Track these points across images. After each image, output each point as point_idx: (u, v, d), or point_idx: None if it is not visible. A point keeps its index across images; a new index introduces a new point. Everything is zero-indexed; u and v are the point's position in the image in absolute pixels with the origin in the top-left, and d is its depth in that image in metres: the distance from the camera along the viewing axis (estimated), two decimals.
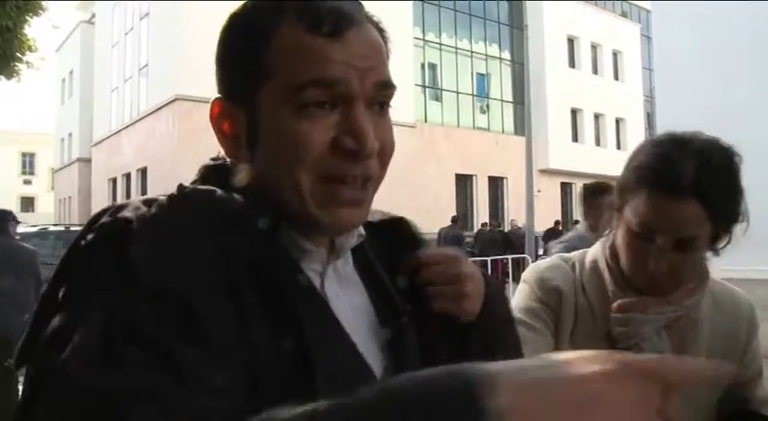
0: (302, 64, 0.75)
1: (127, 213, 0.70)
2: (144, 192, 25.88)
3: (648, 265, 1.26)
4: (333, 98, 0.75)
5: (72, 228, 15.13)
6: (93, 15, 34.59)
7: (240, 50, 0.79)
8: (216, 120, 0.82)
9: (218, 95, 0.83)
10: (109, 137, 30.13)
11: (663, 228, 1.23)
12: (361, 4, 0.81)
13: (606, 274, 1.39)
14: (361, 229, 0.87)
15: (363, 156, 0.75)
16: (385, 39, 0.83)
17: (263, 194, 0.78)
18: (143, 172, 26.16)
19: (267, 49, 0.76)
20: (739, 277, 8.26)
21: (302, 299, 0.75)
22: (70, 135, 36.54)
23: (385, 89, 0.80)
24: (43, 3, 12.41)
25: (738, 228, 1.28)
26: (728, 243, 1.30)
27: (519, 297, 1.46)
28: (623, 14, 37.46)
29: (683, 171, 1.20)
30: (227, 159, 0.86)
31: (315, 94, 0.74)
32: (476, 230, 21.69)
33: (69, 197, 35.79)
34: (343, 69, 0.75)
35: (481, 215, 28.61)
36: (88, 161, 33.32)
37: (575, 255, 1.51)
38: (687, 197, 1.19)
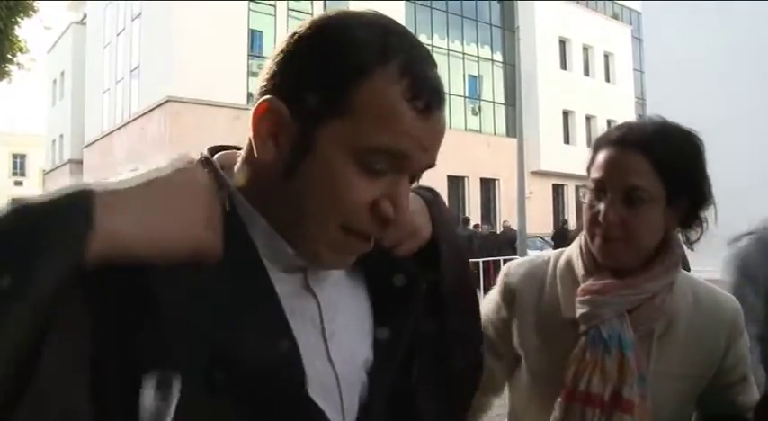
0: (386, 127, 0.73)
1: None
2: None
3: (600, 218, 1.29)
4: (394, 167, 0.76)
5: None
6: (85, 16, 34.46)
7: (326, 71, 0.74)
8: (259, 117, 0.77)
9: (271, 96, 0.77)
10: (100, 138, 30.02)
11: (612, 180, 1.29)
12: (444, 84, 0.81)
13: (578, 262, 1.41)
14: None
15: (392, 223, 0.78)
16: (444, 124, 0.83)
17: (273, 204, 0.79)
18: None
19: (356, 89, 0.73)
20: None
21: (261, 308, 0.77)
22: (61, 136, 36.40)
23: (428, 168, 0.82)
24: (34, 3, 12.38)
25: (709, 216, 1.33)
26: (701, 233, 1.35)
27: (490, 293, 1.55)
28: (614, 16, 37.59)
29: (634, 130, 1.31)
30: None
31: (383, 160, 0.75)
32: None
33: None
34: (417, 147, 0.76)
35: (473, 216, 28.67)
36: (80, 163, 33.18)
37: (554, 251, 1.54)
38: (633, 149, 1.27)
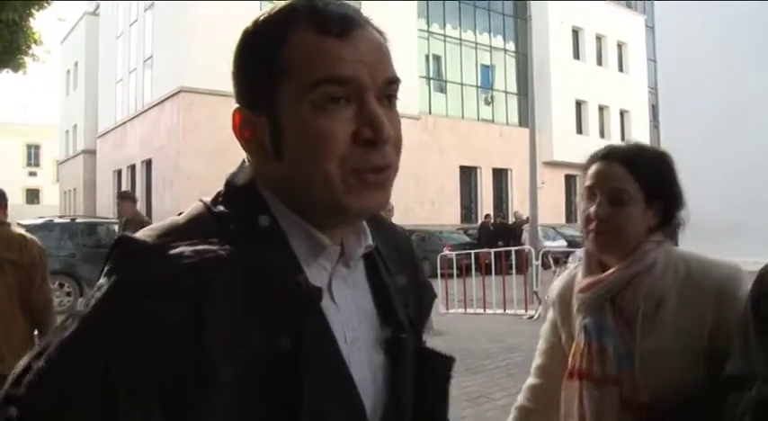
0: (316, 63, 0.80)
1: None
2: (149, 183, 25.93)
3: (591, 215, 1.57)
4: (347, 94, 0.81)
5: (78, 220, 15.18)
6: (98, 7, 34.57)
7: (257, 58, 0.84)
8: (238, 129, 0.87)
9: (237, 106, 0.87)
10: (114, 128, 30.19)
11: (599, 185, 1.58)
12: (359, 9, 0.88)
13: (583, 264, 1.69)
14: (370, 240, 0.92)
15: (381, 142, 0.82)
16: (385, 39, 0.89)
17: (289, 190, 0.85)
18: (148, 163, 26.22)
19: (282, 53, 0.82)
20: None
21: (299, 305, 0.81)
22: (75, 127, 36.61)
23: (392, 83, 0.86)
24: None
25: (683, 215, 1.61)
26: (676, 227, 1.62)
27: None
28: (628, 5, 37.31)
29: (617, 148, 1.65)
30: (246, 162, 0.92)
31: (330, 91, 0.80)
32: (479, 222, 21.70)
33: (74, 189, 35.89)
34: (354, 66, 0.81)
35: (485, 207, 28.63)
36: (93, 153, 33.39)
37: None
38: (616, 161, 1.59)
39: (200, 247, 0.76)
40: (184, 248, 0.76)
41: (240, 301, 0.76)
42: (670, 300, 1.51)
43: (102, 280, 0.76)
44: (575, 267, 1.77)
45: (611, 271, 1.57)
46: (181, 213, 0.88)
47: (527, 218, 16.98)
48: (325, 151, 0.80)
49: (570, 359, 1.60)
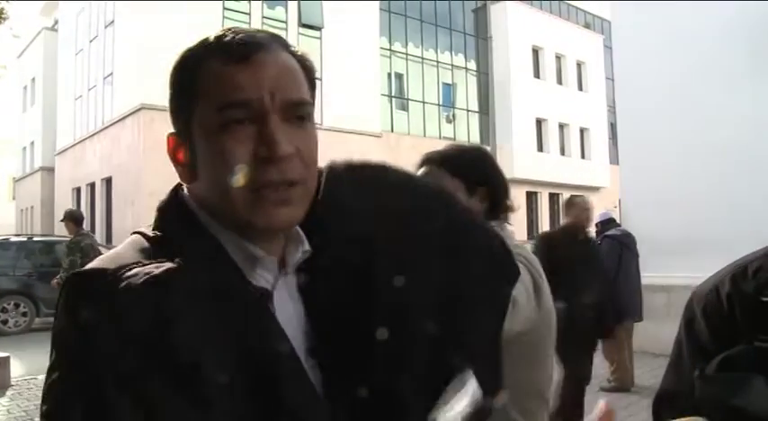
0: (219, 89, 0.86)
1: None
2: (109, 201, 25.56)
3: None
4: (249, 115, 0.86)
5: (35, 239, 14.88)
6: (57, 22, 34.16)
7: (178, 87, 0.92)
8: (171, 153, 0.93)
9: (170, 132, 0.94)
10: (73, 145, 29.72)
11: None
12: (280, 37, 0.94)
13: None
14: (307, 245, 0.94)
15: (276, 159, 0.85)
16: (306, 67, 0.94)
17: (213, 208, 0.89)
18: (108, 181, 25.85)
19: (195, 81, 0.88)
20: (660, 283, 8.30)
21: (250, 313, 0.83)
22: (32, 143, 35.98)
23: (298, 106, 0.90)
24: (4, 9, 12.22)
25: (485, 192, 1.84)
26: (500, 207, 1.87)
27: None
28: (586, 26, 38.08)
29: (433, 153, 1.90)
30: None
31: (233, 114, 0.85)
32: None
33: (31, 207, 35.20)
34: (252, 90, 0.86)
35: None
36: (51, 170, 32.81)
37: None
38: (432, 165, 1.84)
39: (150, 265, 0.79)
40: (136, 269, 0.78)
41: (198, 308, 0.78)
42: None
43: (64, 317, 0.80)
44: None
45: None
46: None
47: None
48: (227, 169, 0.84)
49: None
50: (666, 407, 1.29)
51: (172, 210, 0.93)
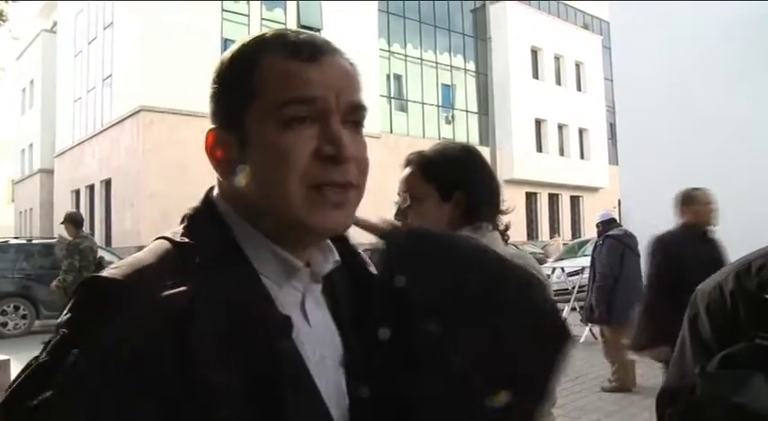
0: (284, 84, 0.84)
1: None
2: (108, 203, 25.53)
3: (394, 217, 1.76)
4: (312, 114, 0.84)
5: (34, 241, 14.87)
6: (55, 24, 34.12)
7: (230, 82, 0.88)
8: (210, 149, 0.90)
9: (212, 126, 0.90)
10: (72, 148, 29.70)
11: (400, 188, 1.83)
12: (330, 41, 0.92)
13: None
14: (337, 255, 0.94)
15: (341, 159, 0.84)
16: (355, 70, 0.92)
17: (254, 210, 0.87)
18: (107, 183, 25.83)
19: (253, 76, 0.86)
20: None
21: (269, 337, 0.81)
22: (31, 146, 35.93)
23: (358, 110, 0.89)
24: (3, 11, 12.21)
25: (462, 197, 1.77)
26: (477, 212, 1.77)
27: None
28: (585, 26, 38.08)
29: (414, 154, 1.87)
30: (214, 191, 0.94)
31: (296, 110, 0.83)
32: None
33: (30, 209, 35.16)
34: (320, 88, 0.84)
35: None
36: (50, 172, 32.77)
37: None
38: (411, 166, 1.83)
39: (172, 290, 0.76)
40: (154, 287, 0.76)
41: (216, 338, 0.76)
42: None
43: (75, 324, 0.76)
44: None
45: None
46: (142, 247, 0.88)
47: None
48: (287, 166, 0.83)
49: None
50: (669, 403, 1.30)
51: (201, 217, 0.90)
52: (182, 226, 0.90)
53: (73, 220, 8.63)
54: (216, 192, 0.93)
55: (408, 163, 1.85)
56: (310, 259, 0.91)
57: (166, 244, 0.86)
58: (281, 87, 0.84)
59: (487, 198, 1.81)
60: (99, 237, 22.78)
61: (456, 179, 1.77)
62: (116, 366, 0.72)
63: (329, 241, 0.93)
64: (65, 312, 0.78)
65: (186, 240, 0.86)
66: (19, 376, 0.76)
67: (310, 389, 0.84)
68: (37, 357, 0.76)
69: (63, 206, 29.64)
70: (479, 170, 1.84)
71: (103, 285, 0.78)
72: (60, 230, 9.35)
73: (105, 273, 0.80)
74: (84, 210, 24.51)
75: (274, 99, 0.84)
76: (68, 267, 8.16)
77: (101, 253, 9.17)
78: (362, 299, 0.95)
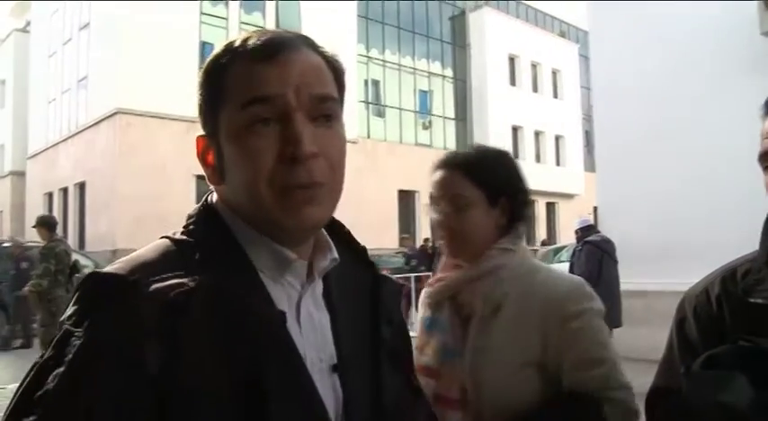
0: (245, 86, 0.86)
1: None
2: (82, 206, 25.23)
3: (437, 223, 1.65)
4: (275, 114, 0.85)
5: (5, 245, 14.63)
6: (28, 23, 33.69)
7: (206, 90, 0.91)
8: (201, 156, 0.93)
9: (200, 134, 0.94)
10: (45, 149, 29.31)
11: (440, 193, 1.66)
12: (308, 37, 0.94)
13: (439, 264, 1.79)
14: (335, 253, 0.95)
15: (301, 159, 0.84)
16: (335, 67, 0.95)
17: (242, 210, 0.89)
18: (81, 186, 25.53)
19: (222, 81, 0.88)
20: (636, 289, 8.35)
21: (264, 331, 0.83)
22: (2, 147, 35.40)
23: (323, 102, 0.89)
24: None
25: (524, 208, 1.71)
26: (519, 220, 1.69)
27: None
28: (562, 34, 38.42)
29: (455, 155, 1.71)
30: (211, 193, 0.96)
31: (257, 111, 0.85)
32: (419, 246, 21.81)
33: (1, 211, 34.66)
34: (277, 85, 0.86)
35: (424, 231, 28.79)
36: (22, 174, 32.31)
37: None
38: (454, 169, 1.65)
39: (171, 282, 0.78)
40: (157, 285, 0.77)
41: (213, 332, 0.78)
42: (509, 307, 1.55)
43: (77, 317, 0.77)
44: None
45: (456, 271, 1.65)
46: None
47: None
48: (253, 171, 0.84)
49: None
50: (657, 402, 1.34)
51: (200, 216, 0.92)
52: (182, 226, 0.92)
53: (46, 224, 8.49)
54: (214, 194, 0.95)
55: (445, 165, 1.69)
56: (312, 256, 0.93)
57: (167, 242, 0.88)
58: (242, 90, 0.86)
59: (524, 204, 1.75)
60: (72, 241, 22.49)
61: (502, 184, 1.68)
62: (115, 359, 0.73)
63: (328, 238, 0.95)
64: (69, 307, 0.80)
65: (186, 238, 0.88)
66: (28, 373, 0.77)
67: (304, 384, 0.85)
68: (42, 355, 0.77)
69: (35, 209, 29.19)
70: (519, 175, 1.75)
71: (106, 280, 0.79)
72: (32, 234, 9.21)
73: (108, 268, 0.82)
74: (57, 214, 24.21)
75: (237, 102, 0.86)
76: (43, 271, 8.03)
77: (75, 256, 9.04)
78: (365, 300, 0.98)
